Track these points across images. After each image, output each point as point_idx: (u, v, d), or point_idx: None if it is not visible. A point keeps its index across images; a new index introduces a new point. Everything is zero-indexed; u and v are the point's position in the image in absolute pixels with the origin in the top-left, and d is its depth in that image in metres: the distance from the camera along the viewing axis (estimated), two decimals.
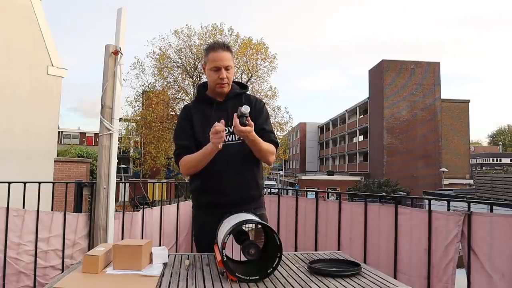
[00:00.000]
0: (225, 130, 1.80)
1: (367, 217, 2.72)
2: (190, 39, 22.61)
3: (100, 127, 2.64)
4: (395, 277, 2.36)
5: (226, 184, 1.91)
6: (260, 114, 2.01)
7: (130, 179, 27.67)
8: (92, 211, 2.78)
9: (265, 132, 1.97)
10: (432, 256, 2.33)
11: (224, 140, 1.84)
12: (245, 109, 1.70)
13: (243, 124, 1.71)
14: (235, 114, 1.73)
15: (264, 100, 23.03)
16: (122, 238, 2.94)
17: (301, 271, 1.60)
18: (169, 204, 3.55)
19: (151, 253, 1.66)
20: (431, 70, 36.91)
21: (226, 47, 1.96)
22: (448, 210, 2.38)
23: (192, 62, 22.53)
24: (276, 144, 1.99)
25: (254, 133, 1.80)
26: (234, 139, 1.94)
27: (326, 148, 55.32)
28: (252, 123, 1.75)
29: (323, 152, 56.29)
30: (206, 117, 1.95)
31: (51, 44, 9.09)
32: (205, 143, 1.85)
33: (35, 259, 2.76)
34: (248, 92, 2.11)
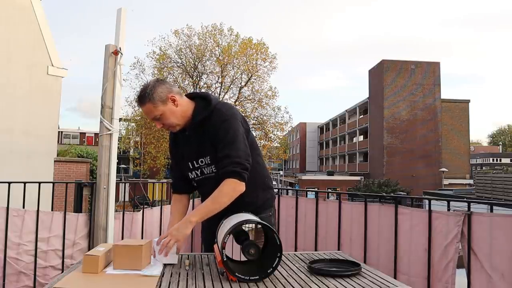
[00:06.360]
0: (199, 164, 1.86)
1: (367, 217, 2.72)
2: (190, 39, 22.67)
3: (100, 127, 2.64)
4: (395, 277, 2.36)
5: (223, 213, 1.74)
6: (217, 138, 1.77)
7: (130, 179, 27.66)
8: (92, 211, 2.78)
9: (219, 159, 1.75)
10: (432, 256, 2.33)
11: (200, 173, 1.88)
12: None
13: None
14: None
15: (264, 100, 23.25)
16: (122, 238, 2.94)
17: (301, 271, 1.60)
18: (169, 204, 3.55)
19: (154, 253, 1.66)
20: (431, 70, 36.91)
21: (141, 101, 1.76)
22: (448, 210, 2.37)
23: (192, 62, 22.56)
24: (232, 168, 1.70)
25: (183, 230, 1.65)
26: (211, 171, 1.83)
27: (326, 148, 55.32)
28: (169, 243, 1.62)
29: (323, 152, 56.29)
30: (184, 143, 1.94)
31: (51, 44, 9.08)
32: (183, 164, 1.92)
33: (35, 259, 2.76)
34: (219, 104, 1.83)
